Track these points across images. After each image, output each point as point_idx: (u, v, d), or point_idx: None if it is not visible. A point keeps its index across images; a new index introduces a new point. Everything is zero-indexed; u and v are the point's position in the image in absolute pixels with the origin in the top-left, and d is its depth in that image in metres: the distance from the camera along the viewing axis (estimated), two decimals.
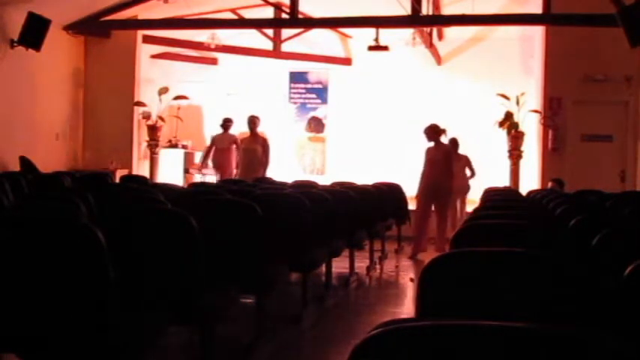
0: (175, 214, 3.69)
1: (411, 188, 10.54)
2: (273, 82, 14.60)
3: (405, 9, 10.38)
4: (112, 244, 2.76)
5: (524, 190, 9.87)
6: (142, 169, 12.34)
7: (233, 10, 12.93)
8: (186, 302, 3.48)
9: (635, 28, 8.87)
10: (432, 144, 9.74)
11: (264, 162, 10.96)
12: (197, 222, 3.49)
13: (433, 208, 9.74)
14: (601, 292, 2.15)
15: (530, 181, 11.32)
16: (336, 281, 7.01)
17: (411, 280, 7.69)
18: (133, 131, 12.35)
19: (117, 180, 10.21)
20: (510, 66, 12.86)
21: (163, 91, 12.40)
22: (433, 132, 9.68)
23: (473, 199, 9.19)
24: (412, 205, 10.42)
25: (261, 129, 11.49)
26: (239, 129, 14.50)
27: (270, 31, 13.78)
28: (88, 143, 12.31)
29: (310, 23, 12.22)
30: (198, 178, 12.95)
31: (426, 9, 10.89)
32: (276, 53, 13.95)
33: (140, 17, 12.05)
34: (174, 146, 13.45)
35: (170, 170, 12.67)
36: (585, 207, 5.30)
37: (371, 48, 11.44)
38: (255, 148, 10.97)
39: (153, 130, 12.28)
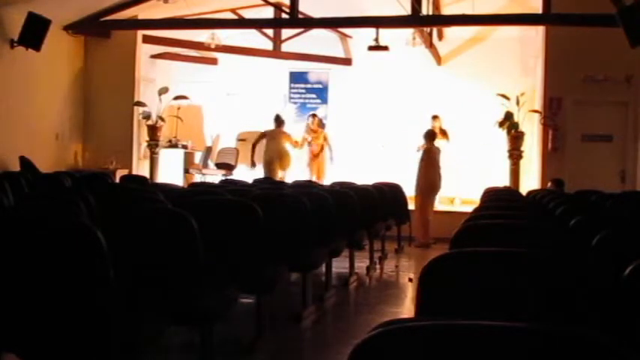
0: (175, 214, 3.69)
1: (411, 188, 10.57)
2: (273, 82, 14.58)
3: (405, 9, 10.37)
4: (112, 244, 2.76)
5: (524, 190, 9.86)
6: (142, 169, 12.33)
7: (233, 10, 12.92)
8: (186, 302, 3.48)
9: (635, 28, 8.86)
10: (426, 144, 10.93)
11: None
12: (197, 222, 3.49)
13: None
14: (600, 292, 2.15)
15: (530, 181, 11.32)
16: (336, 281, 7.00)
17: (410, 280, 7.69)
18: (133, 131, 12.33)
19: (117, 180, 10.20)
20: (510, 66, 12.84)
21: (163, 91, 12.39)
22: (434, 134, 11.07)
23: (473, 199, 9.18)
24: (412, 205, 10.43)
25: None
26: (240, 129, 14.57)
27: (270, 31, 13.76)
28: (88, 143, 12.29)
29: (310, 23, 12.21)
30: (198, 178, 12.95)
31: (426, 9, 10.88)
32: (276, 53, 13.93)
33: (140, 17, 12.03)
34: (174, 146, 13.43)
35: (170, 170, 12.65)
36: (585, 207, 5.30)
37: (371, 48, 11.44)
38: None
39: (153, 130, 12.27)
